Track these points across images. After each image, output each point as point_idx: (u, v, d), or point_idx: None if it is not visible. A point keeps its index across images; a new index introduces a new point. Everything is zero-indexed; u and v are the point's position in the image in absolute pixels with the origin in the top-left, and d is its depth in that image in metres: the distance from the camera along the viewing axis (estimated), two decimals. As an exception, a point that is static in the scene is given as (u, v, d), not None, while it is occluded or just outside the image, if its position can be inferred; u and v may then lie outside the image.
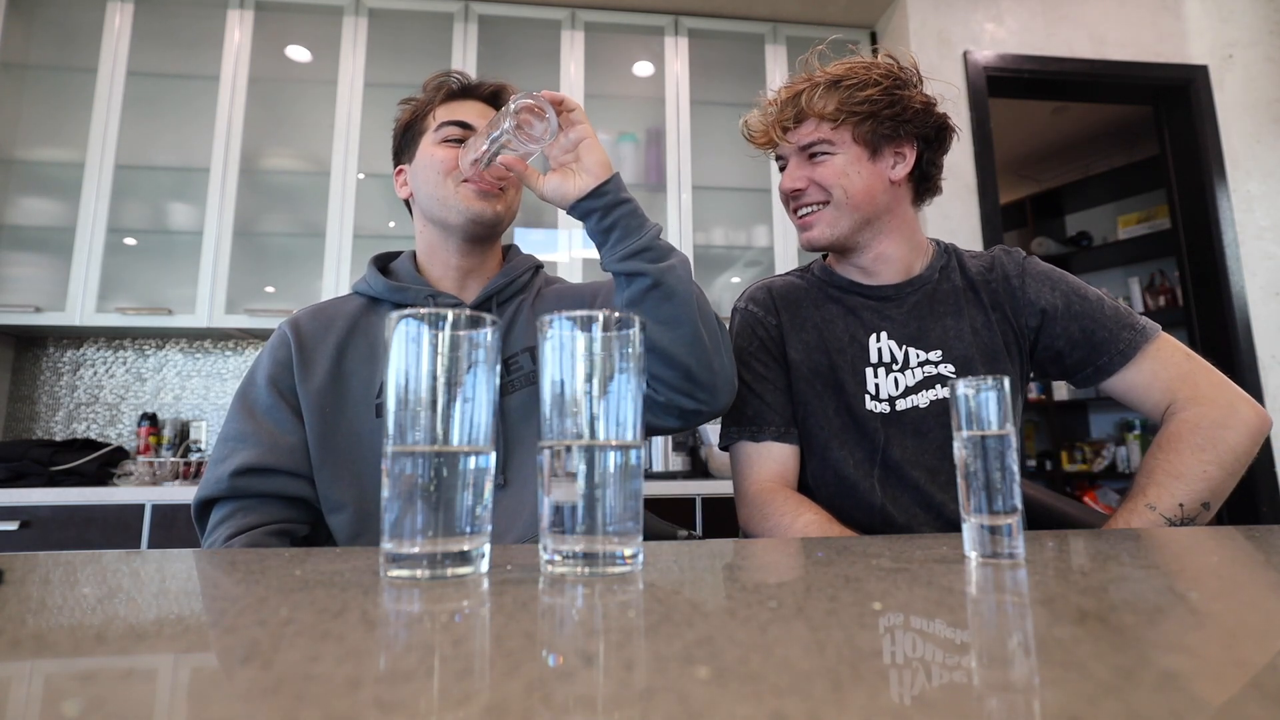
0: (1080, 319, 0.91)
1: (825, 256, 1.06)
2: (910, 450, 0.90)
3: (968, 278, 0.97)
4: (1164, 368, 0.87)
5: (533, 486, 0.82)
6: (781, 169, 0.97)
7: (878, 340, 0.93)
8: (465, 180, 0.86)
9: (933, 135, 0.93)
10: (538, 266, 1.01)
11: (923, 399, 0.90)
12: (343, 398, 0.84)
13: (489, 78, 0.95)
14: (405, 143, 0.94)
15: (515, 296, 0.95)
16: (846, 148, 0.91)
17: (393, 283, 0.90)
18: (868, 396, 0.91)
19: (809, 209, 0.93)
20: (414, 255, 0.96)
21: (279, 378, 0.84)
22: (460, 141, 0.88)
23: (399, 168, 0.96)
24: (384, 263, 0.97)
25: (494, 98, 0.93)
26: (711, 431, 2.31)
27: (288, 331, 0.87)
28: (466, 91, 0.93)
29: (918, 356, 0.92)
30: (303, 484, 0.81)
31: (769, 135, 0.94)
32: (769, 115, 0.94)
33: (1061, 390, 3.83)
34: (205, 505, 0.80)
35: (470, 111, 0.91)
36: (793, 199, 0.94)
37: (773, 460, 0.93)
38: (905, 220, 0.96)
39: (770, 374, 0.96)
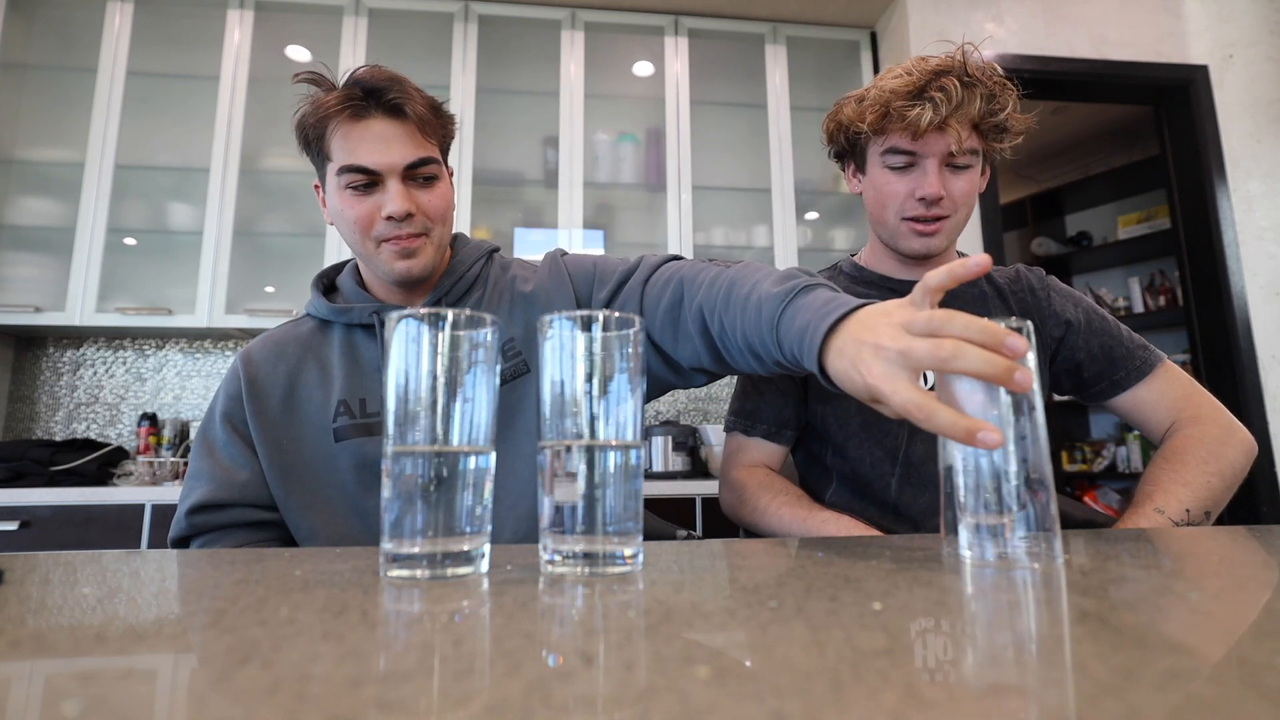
0: (1100, 335, 0.94)
1: (853, 254, 1.06)
2: (937, 446, 0.90)
3: (995, 286, 0.99)
4: (1171, 388, 0.91)
5: (502, 486, 0.80)
6: (900, 166, 0.89)
7: None
8: (384, 241, 0.80)
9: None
10: (490, 252, 0.94)
11: None
12: (299, 426, 0.82)
13: (389, 85, 0.78)
14: (313, 158, 0.84)
15: (469, 293, 0.89)
16: (979, 162, 0.90)
17: (337, 304, 0.86)
18: None
19: (934, 218, 0.89)
20: (357, 267, 0.91)
21: (232, 413, 0.83)
22: (368, 187, 0.78)
23: (317, 183, 0.87)
24: (331, 276, 0.93)
25: (397, 110, 0.78)
26: (712, 432, 2.31)
27: (239, 365, 0.85)
28: (366, 108, 0.78)
29: None
30: (262, 512, 0.80)
31: (934, 130, 0.84)
32: (944, 108, 0.83)
33: (1068, 395, 3.81)
34: (178, 544, 0.80)
35: (371, 144, 0.77)
36: (926, 205, 0.88)
37: (758, 453, 0.97)
38: None
39: (775, 375, 0.96)
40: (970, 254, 1.02)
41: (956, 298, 0.96)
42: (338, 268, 0.94)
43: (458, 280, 0.88)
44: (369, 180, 0.78)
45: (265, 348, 0.87)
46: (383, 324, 0.84)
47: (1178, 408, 0.90)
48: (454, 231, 0.94)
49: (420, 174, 0.81)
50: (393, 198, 0.78)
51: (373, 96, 0.78)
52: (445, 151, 0.86)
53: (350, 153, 0.78)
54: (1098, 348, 0.93)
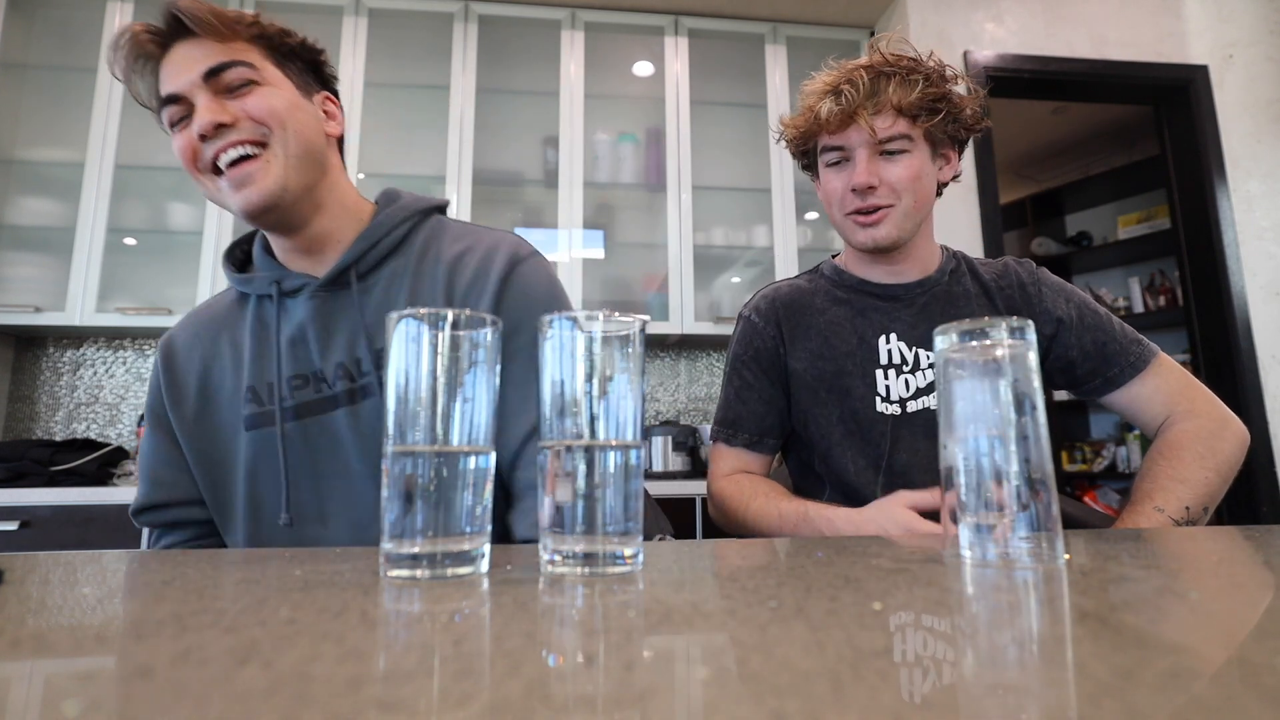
0: (1093, 331, 0.93)
1: (835, 255, 1.05)
2: (921, 454, 0.89)
3: (981, 283, 0.97)
4: (1166, 382, 0.91)
5: (356, 525, 0.73)
6: (834, 163, 0.91)
7: (887, 342, 0.93)
8: (216, 172, 0.70)
9: (966, 141, 0.94)
10: (429, 211, 0.80)
11: (934, 400, 0.90)
12: (213, 417, 0.76)
13: (182, 8, 0.68)
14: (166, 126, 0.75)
15: (384, 262, 0.76)
16: (919, 146, 0.88)
17: (241, 275, 0.78)
18: (878, 399, 0.91)
19: (873, 209, 0.89)
20: None
21: (155, 407, 0.78)
22: (186, 119, 0.70)
23: None
24: (247, 246, 0.84)
25: (185, 28, 0.69)
26: (711, 431, 2.31)
27: (158, 355, 0.79)
28: (163, 37, 0.70)
29: (928, 358, 0.91)
30: (202, 509, 0.77)
31: (845, 122, 0.86)
32: (845, 99, 0.85)
33: (1061, 391, 3.82)
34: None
35: (173, 69, 0.69)
36: (860, 195, 0.88)
37: (740, 462, 0.98)
38: (931, 222, 0.97)
39: (756, 384, 0.98)
40: (969, 254, 1.02)
41: (942, 297, 0.95)
42: (252, 235, 0.83)
43: (372, 246, 0.76)
44: (182, 110, 0.70)
45: (185, 331, 0.81)
46: (284, 294, 0.76)
47: (1172, 402, 0.89)
48: (390, 189, 0.82)
49: (227, 81, 0.70)
50: (199, 112, 0.68)
51: (168, 26, 0.70)
52: (284, 57, 0.75)
53: (163, 80, 0.71)
54: (1090, 344, 0.92)
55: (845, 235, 0.94)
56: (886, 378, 0.91)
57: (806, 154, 0.98)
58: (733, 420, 0.98)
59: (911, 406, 0.90)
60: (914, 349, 0.92)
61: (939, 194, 0.96)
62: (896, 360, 0.92)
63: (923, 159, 0.89)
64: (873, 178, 0.87)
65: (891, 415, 0.90)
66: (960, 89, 0.90)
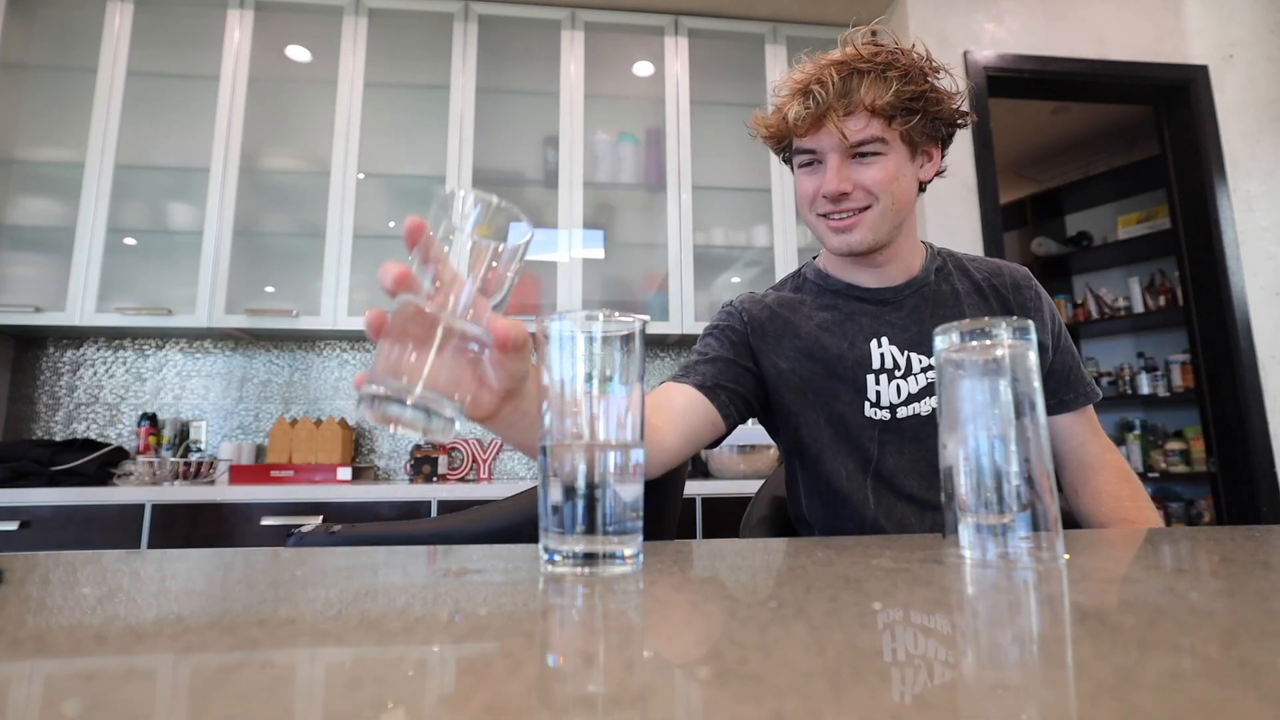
0: (1066, 354, 0.95)
1: (815, 257, 1.03)
2: (906, 458, 0.88)
3: (972, 281, 0.95)
4: (1093, 422, 0.98)
5: None
6: (806, 164, 0.87)
7: (879, 346, 0.90)
8: None
9: (951, 136, 0.90)
10: None
11: (924, 406, 0.88)
12: None
13: None
14: None
15: None
16: (895, 147, 0.84)
17: None
18: (867, 404, 0.88)
19: (847, 213, 0.85)
20: None
21: None
22: None
23: None
24: None
25: None
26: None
27: None
28: None
29: (920, 362, 0.89)
30: None
31: (814, 126, 0.82)
32: (813, 102, 0.81)
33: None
34: None
35: None
36: (831, 200, 0.85)
37: (679, 394, 0.86)
38: (913, 220, 0.93)
39: (722, 349, 0.92)
40: (969, 254, 1.01)
41: (931, 298, 0.92)
42: None
43: None
44: None
45: None
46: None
47: (1096, 436, 0.96)
48: None
49: None
50: None
51: None
52: None
53: None
54: (1060, 365, 0.94)
55: (819, 238, 0.90)
56: (878, 383, 0.89)
57: (784, 148, 0.94)
58: (689, 367, 0.91)
59: (901, 412, 0.88)
60: (906, 353, 0.90)
61: (922, 189, 0.91)
62: (889, 365, 0.89)
63: (899, 160, 0.84)
64: (844, 184, 0.83)
65: (880, 421, 0.88)
66: (944, 82, 0.85)
